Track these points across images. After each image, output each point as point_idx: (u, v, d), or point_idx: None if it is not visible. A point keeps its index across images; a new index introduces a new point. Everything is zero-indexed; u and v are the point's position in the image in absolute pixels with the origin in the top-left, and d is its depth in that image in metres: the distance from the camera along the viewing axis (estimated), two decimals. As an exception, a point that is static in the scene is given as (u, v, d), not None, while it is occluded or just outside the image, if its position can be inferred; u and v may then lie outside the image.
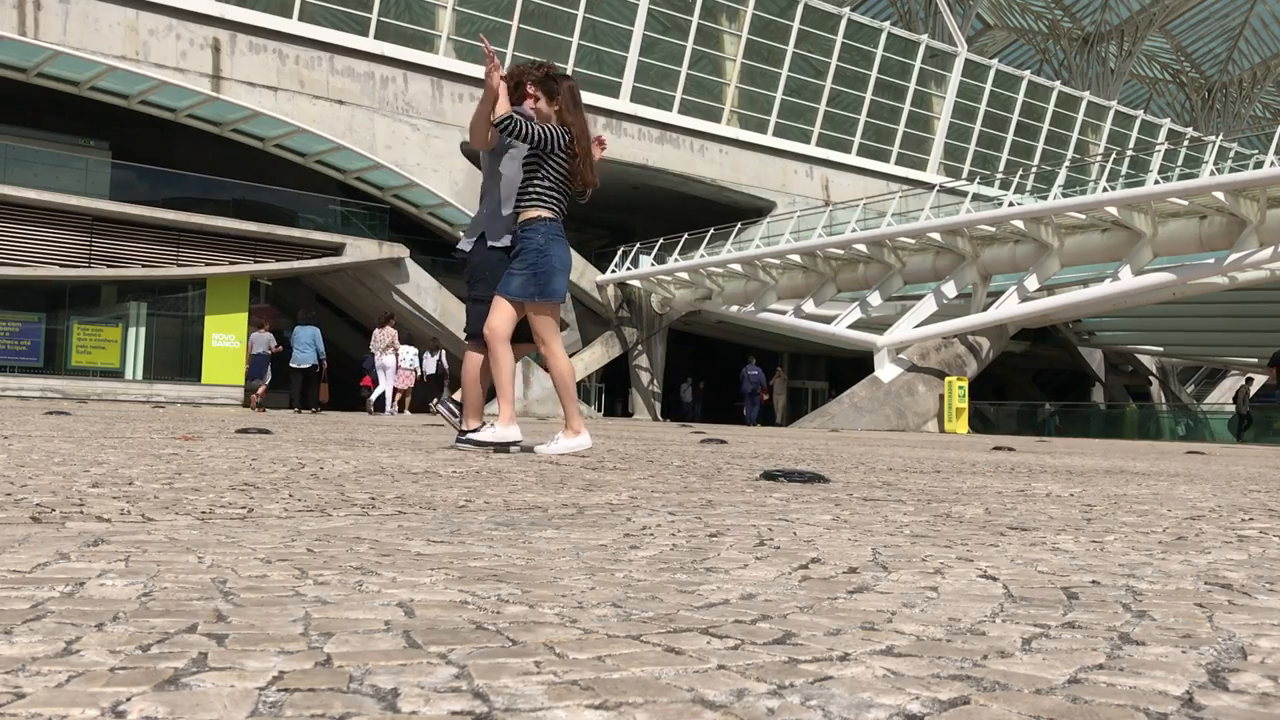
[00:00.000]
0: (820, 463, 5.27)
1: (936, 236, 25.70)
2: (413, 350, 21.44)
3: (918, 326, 25.34)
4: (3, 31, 23.44)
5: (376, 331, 20.05)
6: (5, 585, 1.24)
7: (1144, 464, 6.61)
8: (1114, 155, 38.09)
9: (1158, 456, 8.68)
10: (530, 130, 5.02)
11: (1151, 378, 39.92)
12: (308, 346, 18.64)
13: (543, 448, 5.06)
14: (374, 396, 20.02)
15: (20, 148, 24.99)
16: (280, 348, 19.47)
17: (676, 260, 31.86)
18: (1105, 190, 26.18)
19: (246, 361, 19.65)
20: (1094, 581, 1.54)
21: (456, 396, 5.72)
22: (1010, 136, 42.58)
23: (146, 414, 11.98)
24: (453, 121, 30.54)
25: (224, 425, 8.31)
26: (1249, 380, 31.09)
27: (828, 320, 27.52)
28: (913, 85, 39.79)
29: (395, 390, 20.53)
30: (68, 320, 25.70)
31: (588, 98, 32.64)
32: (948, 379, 24.87)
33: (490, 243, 5.36)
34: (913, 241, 26.54)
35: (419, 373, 21.53)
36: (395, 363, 20.28)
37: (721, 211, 35.08)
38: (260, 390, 19.09)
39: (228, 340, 26.84)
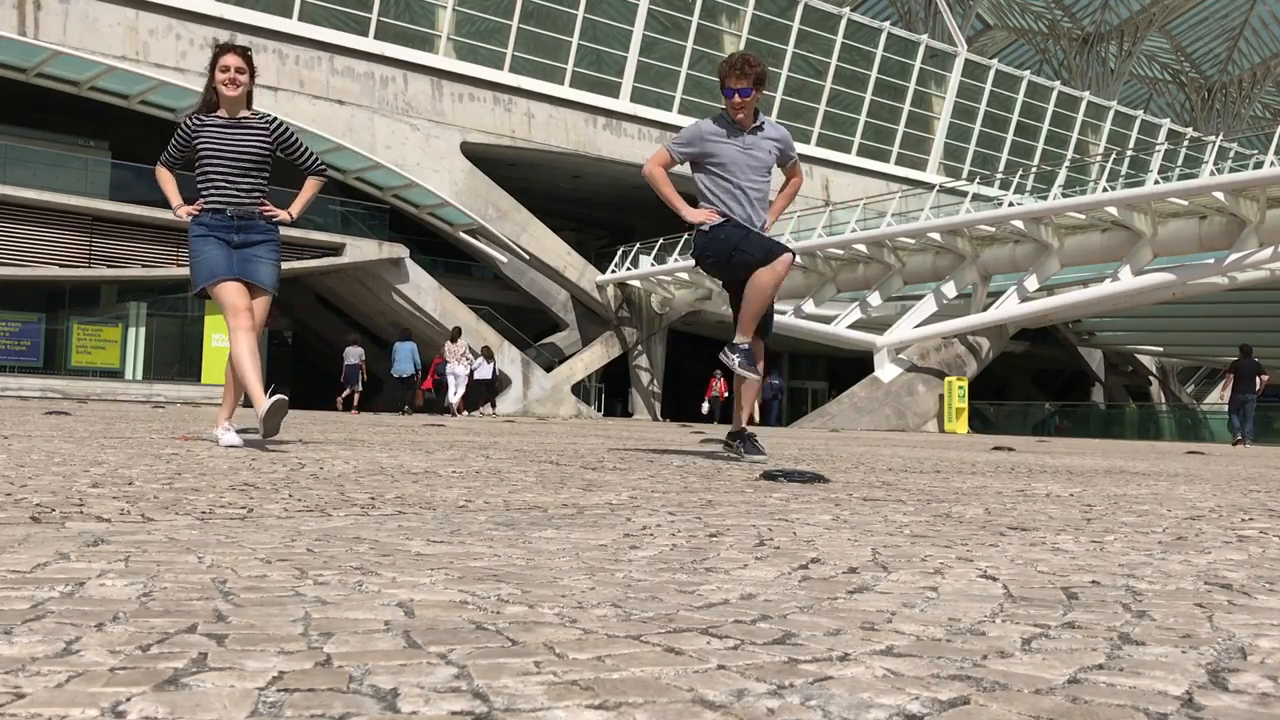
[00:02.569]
0: (820, 463, 5.27)
1: (936, 236, 25.69)
2: (480, 359, 23.46)
3: (918, 326, 25.33)
4: (3, 31, 23.43)
5: (449, 345, 22.64)
6: (5, 585, 1.24)
7: (1144, 464, 6.61)
8: (1114, 155, 38.10)
9: (1158, 456, 8.68)
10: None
11: (1151, 378, 39.91)
12: (407, 359, 21.51)
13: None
14: (451, 400, 22.35)
15: (20, 148, 24.98)
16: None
17: (676, 260, 31.84)
18: (1105, 190, 26.19)
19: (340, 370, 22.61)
20: (1094, 581, 1.54)
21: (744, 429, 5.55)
22: (1010, 136, 42.58)
23: (146, 414, 11.98)
24: (452, 121, 30.53)
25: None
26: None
27: (828, 320, 27.51)
28: (913, 85, 39.79)
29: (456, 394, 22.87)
30: (67, 320, 25.69)
31: (587, 98, 32.53)
32: (947, 379, 24.87)
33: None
34: (912, 241, 26.53)
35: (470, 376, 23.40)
36: (465, 371, 22.42)
37: (722, 211, 35.04)
38: (348, 394, 22.04)
39: (227, 341, 26.80)
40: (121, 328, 26.33)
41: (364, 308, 30.43)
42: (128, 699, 0.79)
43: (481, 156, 30.89)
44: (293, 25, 27.70)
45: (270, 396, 4.83)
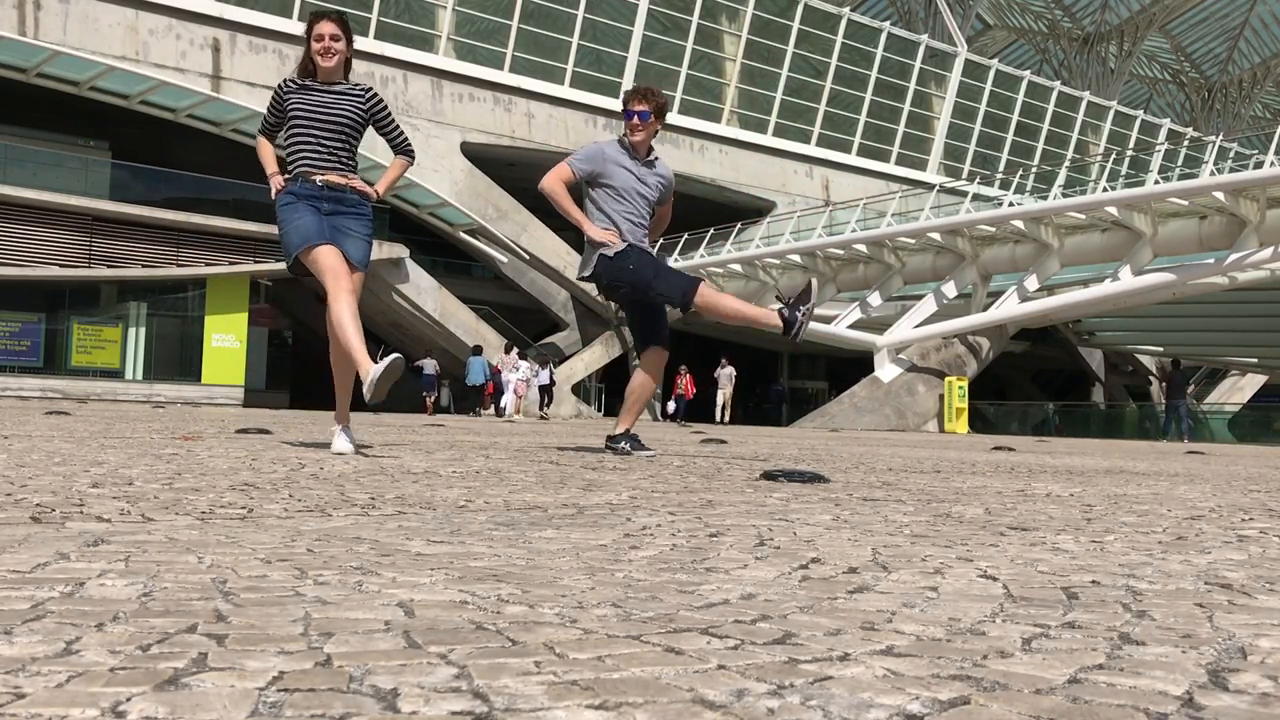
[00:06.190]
0: (820, 463, 5.27)
1: (936, 236, 25.69)
2: (525, 364, 25.57)
3: (918, 326, 25.33)
4: (3, 31, 23.43)
5: (503, 356, 25.67)
6: (5, 585, 1.24)
7: (1144, 464, 6.61)
8: (1114, 155, 38.09)
9: (1158, 456, 8.68)
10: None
11: (1151, 378, 39.89)
12: (479, 371, 25.35)
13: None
14: (503, 404, 24.93)
15: (20, 148, 24.99)
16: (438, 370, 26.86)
17: (676, 260, 31.83)
18: (1105, 190, 26.17)
19: (419, 378, 26.01)
20: (1094, 581, 1.54)
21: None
22: (1010, 136, 42.58)
23: (146, 414, 11.98)
24: (452, 121, 30.52)
25: (224, 425, 8.32)
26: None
27: (828, 320, 27.51)
28: (913, 85, 39.79)
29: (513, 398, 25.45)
30: (68, 320, 25.70)
31: (587, 98, 32.76)
32: (948, 379, 24.86)
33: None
34: (913, 241, 26.53)
35: (528, 383, 26.00)
36: (517, 378, 24.88)
37: (721, 211, 35.06)
38: (430, 400, 25.89)
39: (228, 340, 26.84)
40: (121, 328, 26.34)
41: (364, 307, 29.93)
42: (128, 699, 0.79)
43: (481, 156, 30.89)
44: (293, 25, 27.69)
45: (384, 358, 4.43)
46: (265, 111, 4.90)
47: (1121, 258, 22.67)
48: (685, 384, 27.48)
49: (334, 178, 4.73)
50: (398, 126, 4.98)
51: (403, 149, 5.02)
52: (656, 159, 5.57)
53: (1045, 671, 0.96)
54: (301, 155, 4.72)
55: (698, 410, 28.24)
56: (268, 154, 4.90)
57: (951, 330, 25.19)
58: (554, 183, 5.42)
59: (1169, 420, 23.05)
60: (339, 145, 4.76)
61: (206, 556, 1.52)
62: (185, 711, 0.76)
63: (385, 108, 4.91)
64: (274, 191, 4.74)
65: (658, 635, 1.06)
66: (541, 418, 23.73)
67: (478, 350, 26.33)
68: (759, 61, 36.35)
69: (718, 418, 26.78)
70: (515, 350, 25.99)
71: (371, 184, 4.90)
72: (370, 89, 4.91)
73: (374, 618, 1.11)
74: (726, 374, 27.47)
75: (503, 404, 24.78)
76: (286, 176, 4.74)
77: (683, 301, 5.27)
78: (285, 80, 4.85)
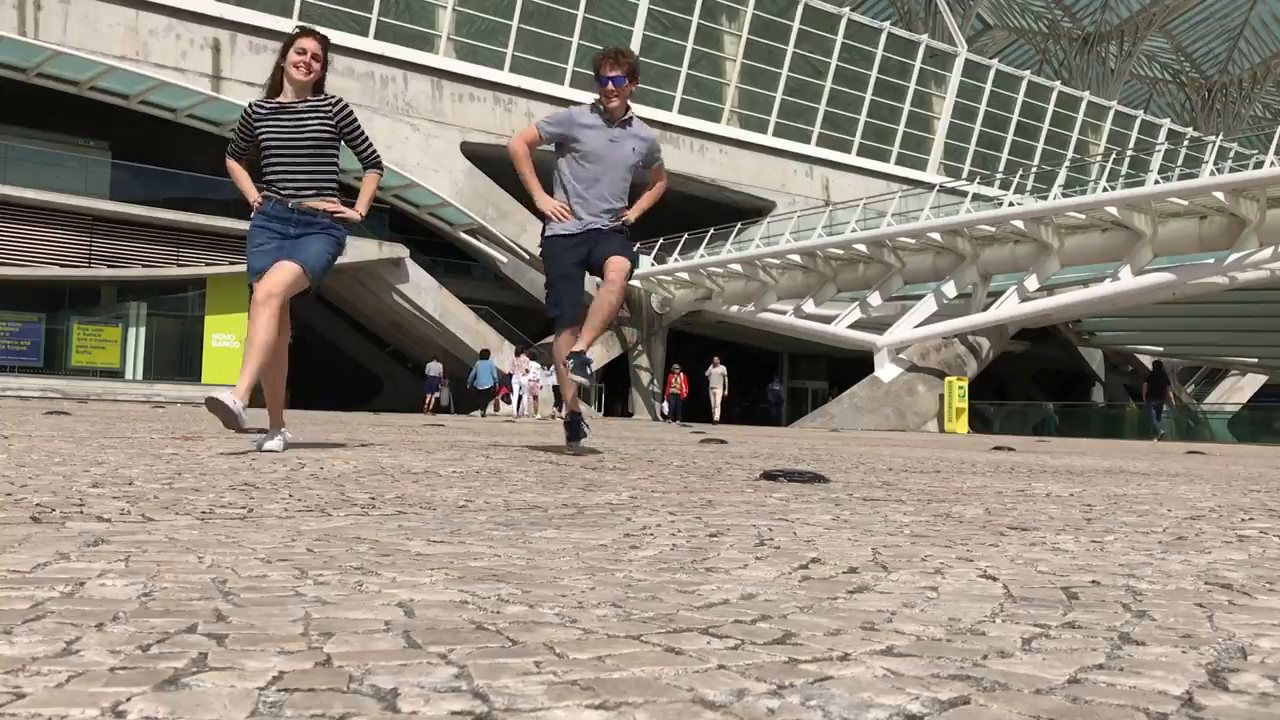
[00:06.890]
0: (820, 463, 5.27)
1: (936, 236, 25.68)
2: (535, 365, 26.26)
3: (918, 326, 25.32)
4: (3, 31, 23.43)
5: (513, 359, 26.70)
6: (5, 585, 1.24)
7: (1144, 464, 6.61)
8: (1114, 155, 38.10)
9: (1158, 456, 8.67)
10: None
11: (1151, 378, 39.86)
12: (487, 374, 25.89)
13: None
14: (515, 404, 26.17)
15: (20, 148, 24.98)
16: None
17: (676, 260, 31.81)
18: (1105, 190, 26.15)
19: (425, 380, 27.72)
20: (1094, 581, 1.54)
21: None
22: (1010, 136, 42.56)
23: (146, 414, 11.97)
24: (452, 121, 30.50)
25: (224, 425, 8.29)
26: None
27: (828, 320, 27.50)
28: (913, 85, 39.78)
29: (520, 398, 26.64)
30: (68, 320, 25.70)
31: (588, 98, 33.01)
32: (948, 379, 24.85)
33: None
34: (913, 241, 26.52)
35: (540, 384, 26.71)
36: (527, 380, 26.09)
37: (721, 211, 35.03)
38: (429, 400, 26.96)
39: (228, 340, 26.83)
40: (121, 328, 26.34)
41: (364, 308, 30.40)
42: (128, 699, 0.79)
43: (482, 156, 30.89)
44: (292, 25, 27.69)
45: (232, 400, 4.55)
46: (234, 134, 4.86)
47: (1121, 258, 22.66)
48: (680, 383, 27.49)
49: (311, 204, 4.71)
50: (366, 139, 4.93)
51: (372, 163, 4.99)
52: (633, 120, 5.46)
53: (1045, 671, 0.96)
54: (274, 178, 4.71)
55: (695, 410, 28.22)
56: (243, 180, 4.87)
57: (951, 330, 25.19)
58: (518, 144, 5.42)
59: (1153, 420, 23.46)
60: (314, 167, 4.74)
61: (206, 556, 1.52)
62: (185, 711, 0.76)
63: (353, 119, 4.86)
64: (254, 212, 4.78)
65: (658, 635, 1.06)
66: (541, 417, 23.85)
67: (485, 354, 26.59)
68: (759, 61, 36.33)
69: (715, 417, 26.79)
70: (526, 356, 26.42)
71: (351, 204, 4.89)
72: (338, 99, 4.85)
73: (374, 618, 1.11)
74: (718, 373, 27.42)
75: (522, 406, 25.47)
76: (263, 194, 4.73)
77: (549, 315, 5.47)
78: (252, 104, 4.82)
